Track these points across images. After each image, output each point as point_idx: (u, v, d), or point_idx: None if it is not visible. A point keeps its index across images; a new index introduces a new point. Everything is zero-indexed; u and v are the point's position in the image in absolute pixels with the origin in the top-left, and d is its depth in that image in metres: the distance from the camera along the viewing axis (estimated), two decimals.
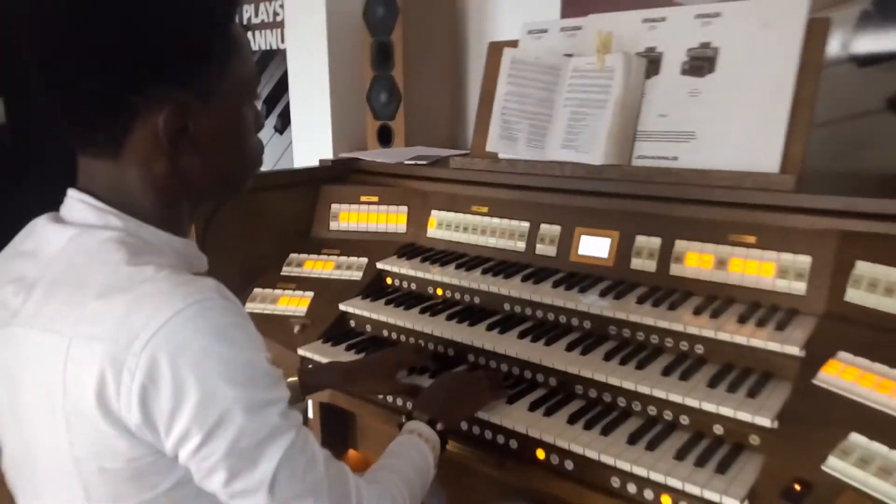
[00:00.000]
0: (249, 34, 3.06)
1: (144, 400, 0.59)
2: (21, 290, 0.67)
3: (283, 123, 2.90)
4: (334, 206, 1.58)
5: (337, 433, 1.53)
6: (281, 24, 2.72)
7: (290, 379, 1.08)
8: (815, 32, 1.10)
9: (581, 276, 1.22)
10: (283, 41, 2.74)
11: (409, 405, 1.12)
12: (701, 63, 1.18)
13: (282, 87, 2.82)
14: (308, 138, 2.36)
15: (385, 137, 2.24)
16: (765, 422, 0.89)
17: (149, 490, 0.63)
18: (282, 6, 2.65)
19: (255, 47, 3.00)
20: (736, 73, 1.15)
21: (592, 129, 1.23)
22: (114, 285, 0.62)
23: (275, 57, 2.92)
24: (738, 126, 1.14)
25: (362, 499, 0.73)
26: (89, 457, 0.63)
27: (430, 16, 2.13)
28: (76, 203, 0.70)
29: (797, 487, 0.80)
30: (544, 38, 1.39)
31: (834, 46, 1.32)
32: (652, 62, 1.23)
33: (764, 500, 0.82)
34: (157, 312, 0.60)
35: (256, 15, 2.97)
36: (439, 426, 0.93)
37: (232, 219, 1.43)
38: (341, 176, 1.65)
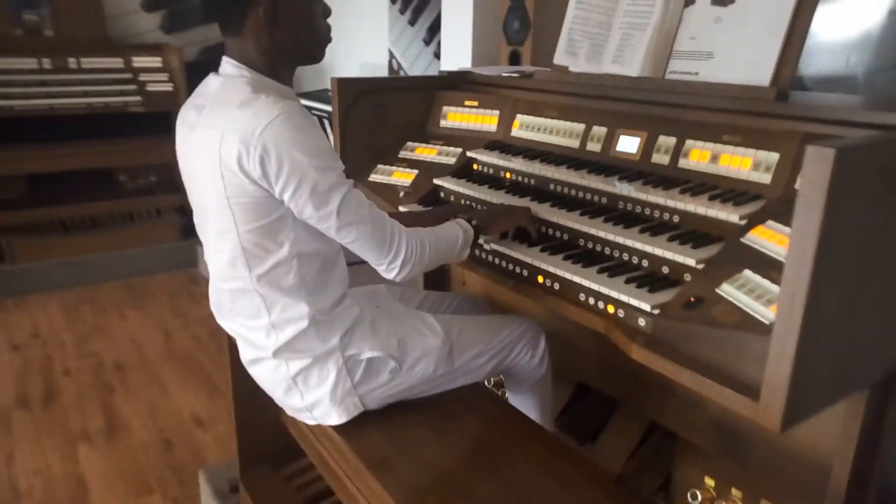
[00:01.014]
0: None
1: (262, 164, 1.12)
2: (197, 110, 1.22)
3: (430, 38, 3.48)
4: (444, 108, 2.03)
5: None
6: None
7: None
8: None
9: (613, 167, 1.57)
10: None
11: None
12: None
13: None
14: (453, 56, 2.82)
15: (514, 61, 2.63)
16: (692, 262, 1.23)
17: (266, 215, 1.17)
18: None
19: None
20: (750, 4, 1.41)
21: (634, 48, 1.56)
22: (244, 102, 1.15)
23: None
24: (745, 48, 1.41)
25: (395, 230, 1.21)
26: (234, 195, 1.17)
27: None
28: (224, 64, 1.24)
29: (692, 300, 1.15)
30: None
31: None
32: None
33: (670, 308, 1.18)
34: (266, 117, 1.11)
35: None
36: (474, 222, 1.38)
37: (365, 111, 1.94)
38: (454, 84, 2.10)
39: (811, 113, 1.28)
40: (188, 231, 4.20)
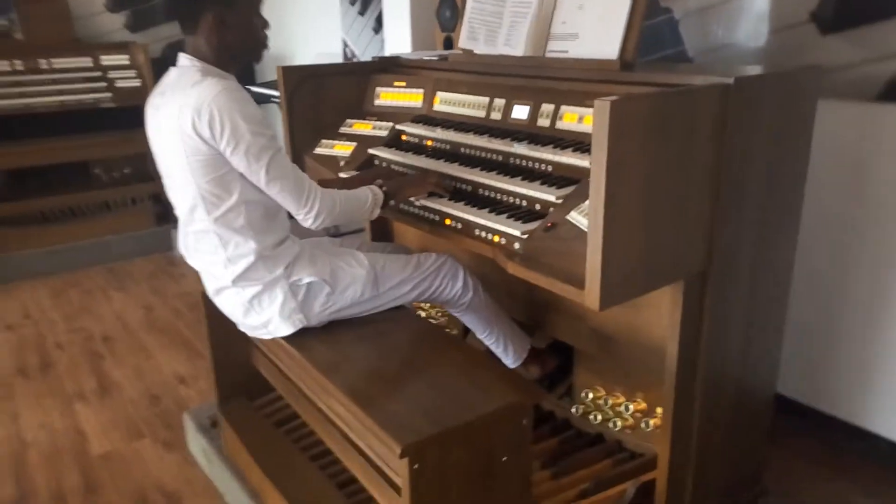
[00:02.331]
0: None
1: (210, 126, 1.49)
2: (160, 96, 1.59)
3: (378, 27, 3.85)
4: (377, 89, 2.40)
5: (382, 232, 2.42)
6: None
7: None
8: None
9: (510, 131, 1.95)
10: None
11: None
12: None
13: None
14: (395, 42, 3.19)
15: (448, 45, 3.00)
16: (553, 198, 1.61)
17: (217, 169, 1.54)
18: None
19: None
20: None
21: (519, 32, 1.93)
22: (195, 83, 1.52)
23: None
24: (599, 29, 1.79)
25: (312, 189, 1.58)
26: (191, 154, 1.54)
27: None
28: (180, 58, 1.62)
29: (549, 225, 1.54)
30: None
31: None
32: None
33: (535, 233, 1.56)
34: (212, 91, 1.48)
35: None
36: (384, 188, 1.76)
37: (309, 93, 2.30)
38: (387, 68, 2.46)
39: (639, 79, 1.67)
40: (163, 217, 4.54)
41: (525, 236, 1.58)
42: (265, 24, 1.66)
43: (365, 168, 2.20)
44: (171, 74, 1.64)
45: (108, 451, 2.48)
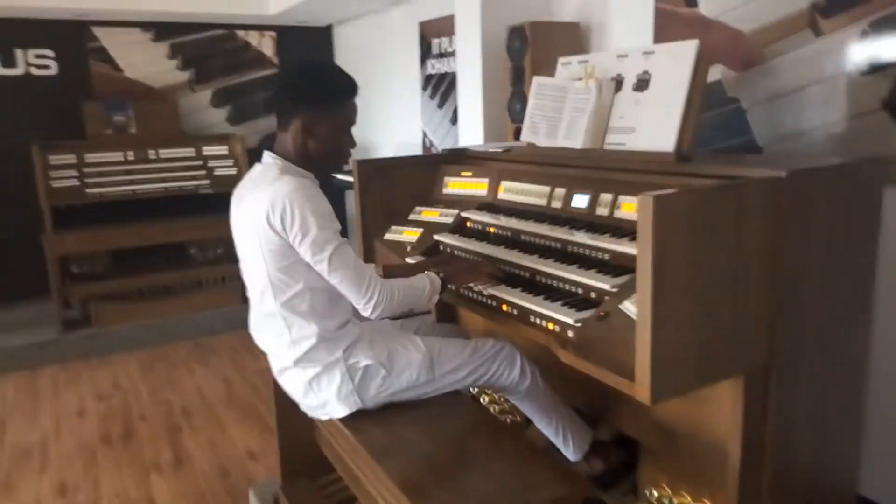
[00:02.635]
0: (435, 61, 4.27)
1: (282, 219, 1.60)
2: (244, 188, 1.74)
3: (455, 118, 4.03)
4: (445, 178, 2.52)
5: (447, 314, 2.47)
6: (452, 54, 3.77)
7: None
8: (700, 64, 1.76)
9: (570, 219, 1.99)
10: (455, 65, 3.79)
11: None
12: (642, 83, 1.89)
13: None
14: (469, 133, 3.34)
15: (518, 136, 3.12)
16: (607, 287, 1.63)
17: (286, 258, 1.65)
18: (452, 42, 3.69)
19: (436, 71, 4.17)
20: (659, 90, 1.84)
21: (578, 126, 2.01)
22: (274, 179, 1.65)
23: (449, 77, 4.01)
24: (656, 123, 1.84)
25: (373, 280, 1.66)
26: (264, 244, 1.66)
27: (552, 45, 2.96)
28: (265, 156, 1.77)
29: (602, 314, 1.55)
30: (570, 67, 2.17)
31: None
32: (618, 83, 1.96)
33: (588, 321, 1.57)
34: (287, 187, 1.61)
35: (439, 48, 4.10)
36: (441, 275, 1.82)
37: (381, 183, 2.44)
38: (455, 159, 2.58)
39: (694, 170, 1.69)
40: None
41: (578, 324, 1.59)
42: (352, 143, 1.81)
43: (430, 253, 2.29)
44: (256, 170, 1.80)
45: None
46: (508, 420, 2.56)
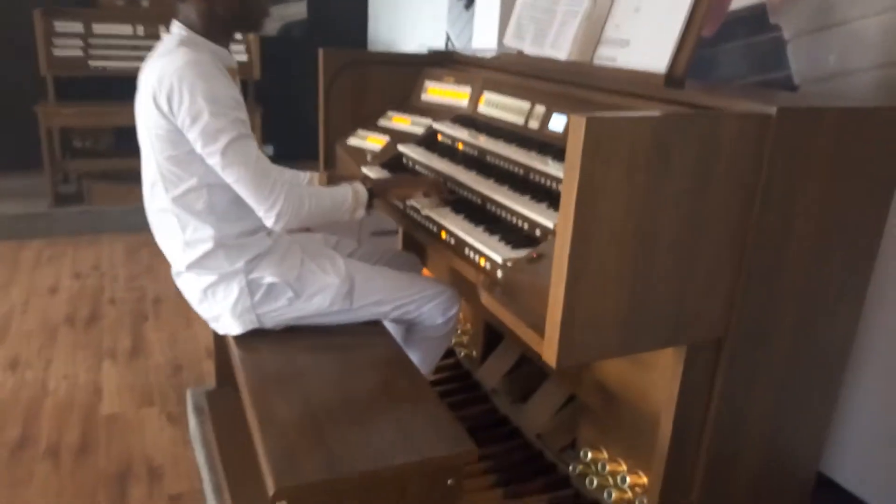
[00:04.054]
0: None
1: (169, 99, 1.40)
2: (146, 62, 1.52)
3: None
4: (426, 82, 2.26)
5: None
6: None
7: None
8: None
9: (543, 143, 1.74)
10: None
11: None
12: None
13: None
14: (483, 37, 3.06)
15: None
16: (551, 225, 1.40)
17: (176, 147, 1.46)
18: None
19: None
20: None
21: (567, 33, 1.72)
22: (166, 52, 1.44)
23: None
24: (652, 37, 1.54)
25: (277, 183, 1.46)
26: (152, 127, 1.47)
27: None
28: (172, 25, 1.53)
29: (535, 256, 1.33)
30: None
31: None
32: None
33: (518, 262, 1.36)
34: (176, 62, 1.40)
35: None
36: (369, 186, 1.61)
37: (352, 81, 2.21)
38: (441, 62, 2.31)
39: (682, 98, 1.41)
40: None
41: (508, 264, 1.38)
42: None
43: (392, 166, 2.07)
44: (162, 41, 1.57)
45: (116, 413, 2.52)
46: (463, 354, 2.40)
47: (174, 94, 1.39)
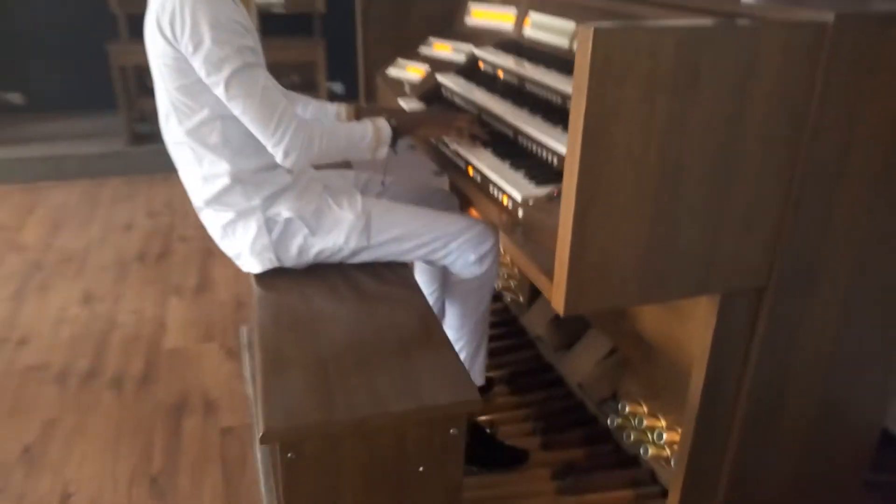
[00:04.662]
0: None
1: (172, 26, 1.35)
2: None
3: None
4: (469, 3, 2.12)
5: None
6: None
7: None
8: None
9: None
10: None
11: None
12: None
13: None
14: None
15: None
16: None
17: (184, 76, 1.41)
18: None
19: None
20: None
21: None
22: None
23: None
24: None
25: (285, 118, 1.40)
26: (160, 56, 1.42)
27: None
28: None
29: (556, 194, 1.22)
30: None
31: None
32: None
33: (538, 201, 1.25)
34: None
35: None
36: (394, 123, 1.52)
37: (390, 5, 2.10)
38: None
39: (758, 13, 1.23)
40: None
41: (530, 202, 1.28)
42: None
43: (430, 97, 1.97)
44: None
45: (178, 347, 2.62)
46: (510, 299, 2.33)
47: (176, 19, 1.35)
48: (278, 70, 4.88)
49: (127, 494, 1.92)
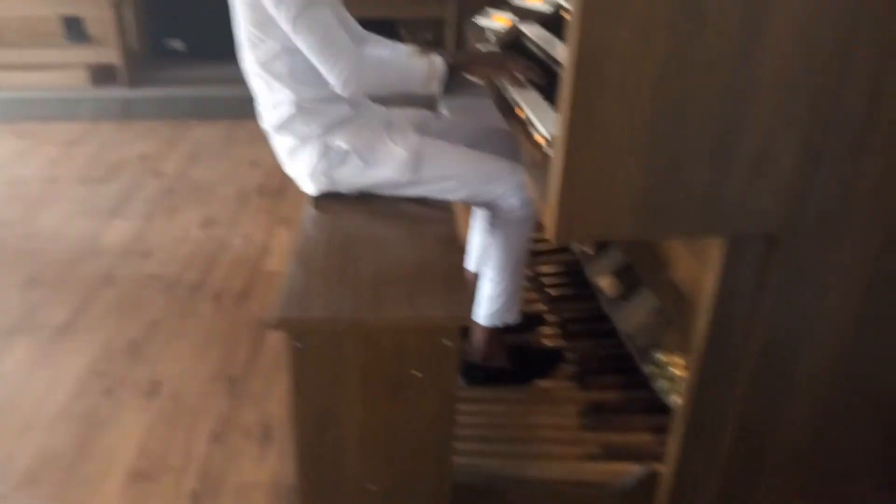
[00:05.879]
0: None
1: None
2: None
3: None
4: None
5: None
6: None
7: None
8: None
9: None
10: None
11: None
12: None
13: None
14: None
15: None
16: None
17: (258, 12, 1.57)
18: None
19: None
20: None
21: None
22: None
23: None
24: None
25: (344, 51, 1.52)
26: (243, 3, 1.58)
27: None
28: None
29: None
30: None
31: None
32: None
33: None
34: None
35: None
36: (450, 61, 1.61)
37: None
38: None
39: None
40: None
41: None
42: None
43: (509, 46, 2.03)
44: None
45: (277, 271, 2.90)
46: (579, 250, 2.36)
47: None
48: (414, 25, 5.10)
49: (207, 389, 2.19)
